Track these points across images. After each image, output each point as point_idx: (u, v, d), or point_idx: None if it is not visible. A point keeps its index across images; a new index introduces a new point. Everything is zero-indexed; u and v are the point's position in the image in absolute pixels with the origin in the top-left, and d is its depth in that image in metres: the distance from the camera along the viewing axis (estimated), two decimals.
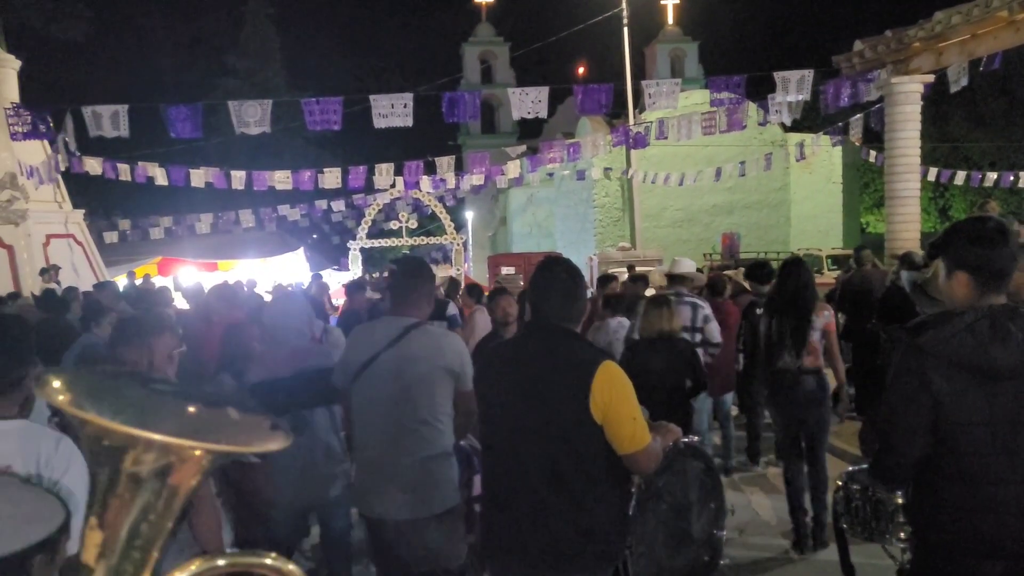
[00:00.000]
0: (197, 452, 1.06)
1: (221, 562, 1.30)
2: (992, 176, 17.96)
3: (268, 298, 9.80)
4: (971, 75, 10.38)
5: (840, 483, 3.40)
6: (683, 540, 4.25)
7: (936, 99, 16.46)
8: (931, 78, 10.17)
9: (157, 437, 1.01)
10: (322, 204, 20.90)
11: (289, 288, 10.39)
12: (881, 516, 3.21)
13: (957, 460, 2.43)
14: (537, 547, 2.68)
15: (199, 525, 2.94)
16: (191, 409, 1.13)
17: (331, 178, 15.69)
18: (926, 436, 2.43)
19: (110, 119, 10.81)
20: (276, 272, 14.63)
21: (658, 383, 5.48)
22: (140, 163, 14.96)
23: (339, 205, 21.16)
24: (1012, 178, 17.34)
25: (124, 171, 14.51)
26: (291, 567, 1.28)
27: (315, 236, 30.79)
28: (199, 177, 15.36)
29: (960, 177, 17.84)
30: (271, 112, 11.07)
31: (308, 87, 32.77)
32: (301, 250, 15.57)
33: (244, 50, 35.64)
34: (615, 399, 2.60)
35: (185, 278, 13.27)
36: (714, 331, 6.70)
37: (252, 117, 11.03)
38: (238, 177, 15.44)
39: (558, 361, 2.69)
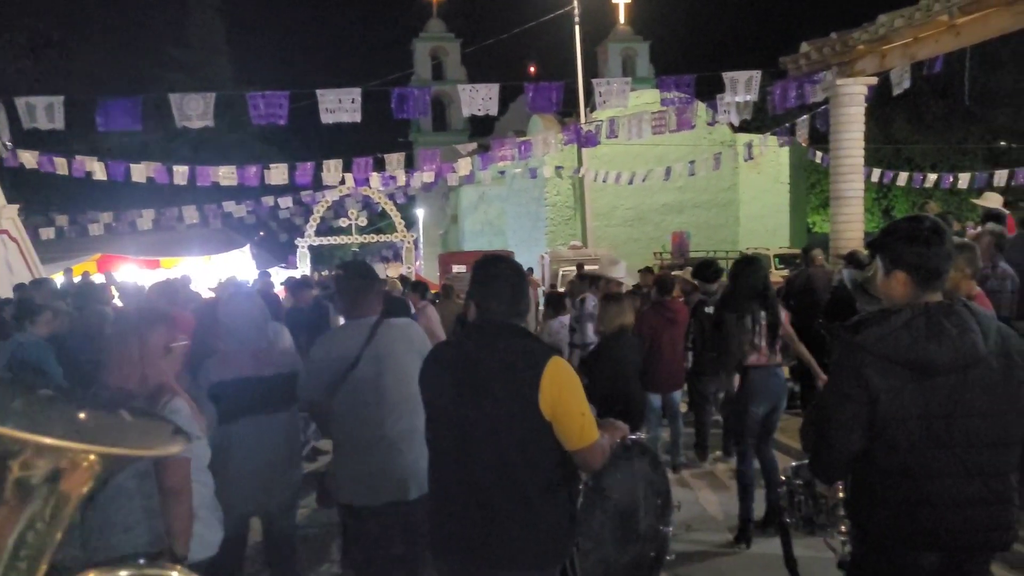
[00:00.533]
0: (91, 456, 1.02)
1: (123, 573, 1.26)
2: (932, 177, 18.41)
3: (209, 295, 9.61)
4: (913, 78, 10.59)
5: (783, 478, 3.41)
6: (630, 536, 4.24)
7: (880, 101, 16.76)
8: (875, 80, 10.34)
9: (47, 441, 0.99)
10: (269, 201, 20.62)
11: (245, 285, 10.15)
12: (822, 510, 3.23)
13: (893, 455, 2.46)
14: (486, 545, 2.64)
15: (174, 517, 2.91)
16: (81, 415, 1.12)
17: (278, 174, 15.44)
18: (862, 432, 2.46)
19: (45, 111, 10.47)
20: (221, 270, 14.32)
21: (629, 374, 5.55)
22: (78, 157, 14.55)
23: (286, 202, 20.87)
24: (952, 179, 17.78)
25: (61, 165, 14.10)
26: None
27: (262, 233, 30.32)
28: (140, 172, 14.99)
29: (902, 178, 18.25)
30: (215, 106, 10.84)
31: (255, 81, 32.24)
32: (247, 247, 15.30)
33: (189, 42, 34.90)
34: (564, 395, 2.58)
35: (125, 275, 12.92)
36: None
37: (195, 110, 10.79)
38: (181, 172, 15.11)
39: (505, 358, 2.65)
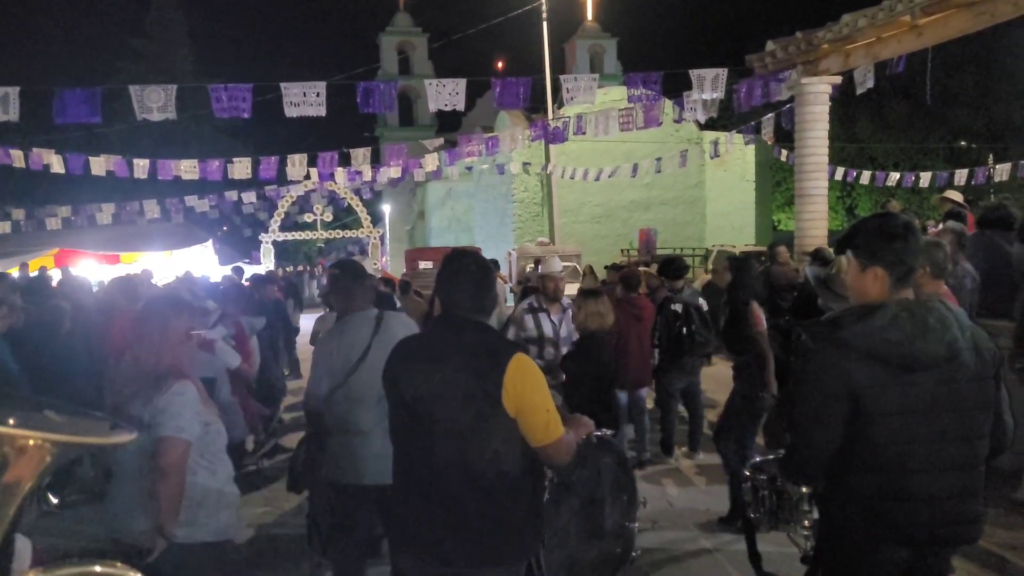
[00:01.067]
0: (32, 443, 1.02)
1: (65, 572, 1.25)
2: (895, 176, 18.67)
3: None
4: (876, 78, 10.71)
5: (747, 473, 3.41)
6: (596, 532, 4.23)
7: (844, 100, 16.98)
8: (839, 79, 10.45)
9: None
10: (232, 195, 20.33)
11: (204, 280, 10.01)
12: (786, 505, 3.24)
13: (872, 450, 2.48)
14: (450, 541, 2.62)
15: (161, 497, 2.92)
16: (25, 405, 1.16)
17: (241, 168, 15.23)
18: (842, 429, 2.48)
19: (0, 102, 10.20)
20: (183, 265, 14.11)
21: (608, 374, 5.51)
22: (35, 150, 14.23)
23: (250, 197, 20.61)
24: (913, 178, 18.05)
25: (17, 158, 13.77)
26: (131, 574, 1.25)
27: (225, 228, 29.96)
28: (99, 165, 14.70)
29: (866, 177, 18.49)
30: (177, 98, 10.65)
31: (218, 73, 31.83)
32: (210, 243, 15.07)
33: (149, 33, 34.31)
34: (528, 391, 2.56)
35: (83, 271, 12.66)
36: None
37: (155, 102, 10.59)
38: (141, 165, 14.83)
39: (470, 354, 2.63)
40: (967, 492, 2.52)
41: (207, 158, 15.86)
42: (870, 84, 10.66)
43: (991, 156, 25.20)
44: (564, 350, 6.18)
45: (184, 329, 3.27)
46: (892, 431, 2.45)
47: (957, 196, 8.81)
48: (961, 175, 16.98)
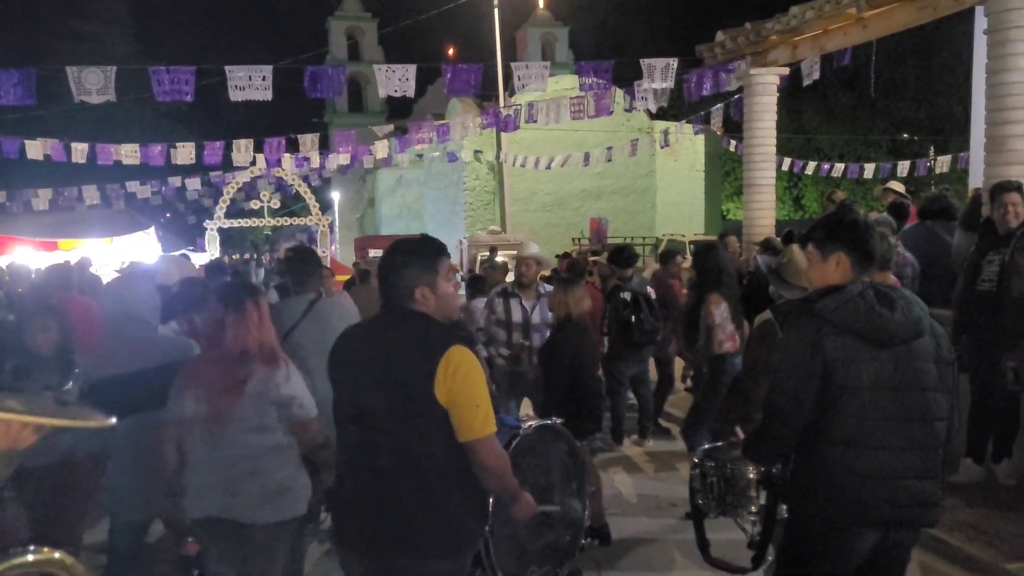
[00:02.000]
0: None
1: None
2: (840, 167, 19.01)
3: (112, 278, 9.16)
4: (823, 70, 10.84)
5: (696, 460, 3.41)
6: (545, 521, 4.21)
7: (791, 92, 17.20)
8: (787, 71, 10.54)
9: None
10: (176, 181, 19.90)
11: (139, 266, 9.72)
12: (734, 491, 3.25)
13: (841, 425, 2.53)
14: (388, 532, 2.58)
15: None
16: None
17: (185, 153, 14.89)
18: (813, 403, 2.53)
19: None
20: (125, 252, 13.73)
21: (586, 365, 5.40)
22: None
23: (194, 183, 20.19)
24: (858, 169, 18.39)
25: None
26: (70, 560, 1.26)
27: (168, 215, 29.27)
28: (36, 149, 14.24)
29: (812, 167, 18.80)
30: (116, 80, 10.33)
31: (160, 55, 30.96)
32: (152, 229, 14.70)
33: (87, 12, 33.25)
34: (459, 383, 2.51)
35: (19, 258, 12.24)
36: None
37: (94, 85, 10.24)
38: (80, 150, 14.41)
39: (407, 343, 2.59)
40: (927, 473, 2.57)
41: (149, 143, 15.49)
42: (816, 76, 10.78)
43: (932, 148, 25.83)
44: (537, 337, 6.05)
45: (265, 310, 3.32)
46: (861, 405, 2.51)
47: (900, 187, 8.98)
48: (904, 166, 17.35)
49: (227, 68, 10.31)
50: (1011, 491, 5.49)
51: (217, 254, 19.94)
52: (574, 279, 5.74)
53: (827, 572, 2.62)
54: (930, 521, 2.64)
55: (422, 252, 2.69)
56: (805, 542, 2.67)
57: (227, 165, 16.83)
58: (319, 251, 20.33)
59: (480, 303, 6.89)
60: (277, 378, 3.17)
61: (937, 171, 17.62)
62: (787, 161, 17.73)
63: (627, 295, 7.32)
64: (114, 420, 1.21)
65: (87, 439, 3.65)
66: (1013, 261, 5.31)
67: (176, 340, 4.18)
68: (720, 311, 5.93)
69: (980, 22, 6.95)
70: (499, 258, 6.77)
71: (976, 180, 7.68)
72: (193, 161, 15.25)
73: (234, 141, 15.13)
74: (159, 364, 3.59)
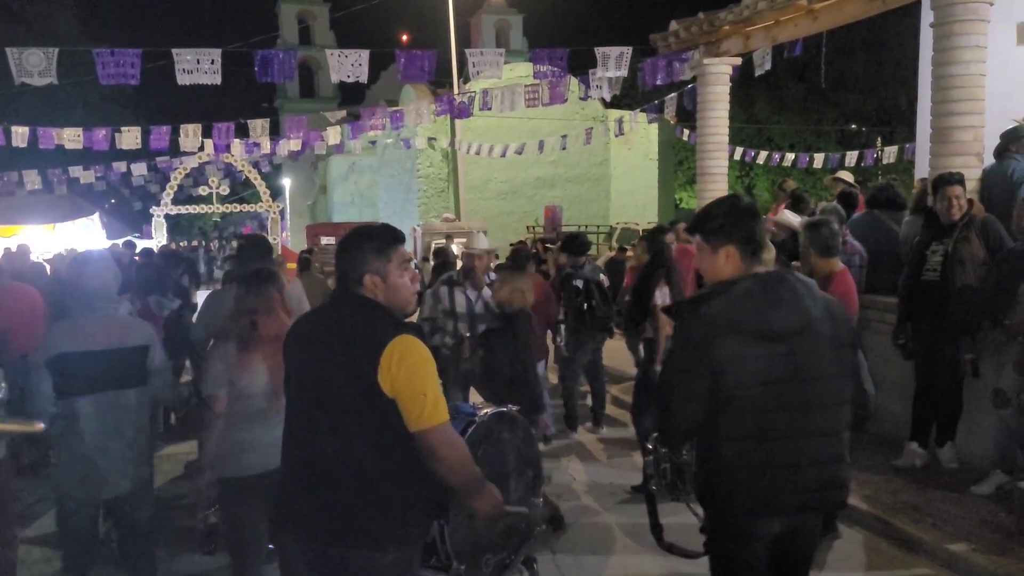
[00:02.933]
0: None
1: None
2: (791, 157, 19.29)
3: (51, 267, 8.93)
4: (774, 60, 10.96)
5: (650, 446, 3.43)
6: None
7: (744, 82, 17.36)
8: (739, 61, 10.63)
9: None
10: (121, 166, 19.37)
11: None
12: (685, 477, 3.28)
13: (737, 421, 2.55)
14: (328, 521, 2.53)
15: None
16: None
17: (130, 138, 14.51)
18: (701, 404, 2.55)
19: None
20: (68, 239, 13.37)
21: (520, 354, 5.39)
22: None
23: (140, 168, 19.69)
24: (808, 159, 18.68)
25: None
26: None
27: (113, 201, 28.57)
28: None
29: (763, 157, 19.04)
30: (59, 62, 10.01)
31: (105, 37, 30.16)
32: (96, 216, 14.32)
33: None
34: (404, 373, 2.45)
35: None
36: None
37: (35, 66, 9.92)
38: (20, 133, 13.98)
39: (353, 331, 2.54)
40: (831, 459, 2.62)
41: (93, 127, 15.06)
42: (768, 67, 10.89)
43: (880, 139, 26.32)
44: (482, 328, 6.04)
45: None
46: (756, 401, 2.52)
47: (848, 177, 9.14)
48: (852, 156, 17.65)
49: (174, 51, 10.07)
50: (953, 474, 5.65)
51: (164, 241, 19.53)
52: (521, 269, 5.75)
53: (738, 555, 2.69)
54: (836, 503, 2.70)
55: (375, 238, 2.64)
56: (717, 530, 2.74)
57: (174, 150, 16.49)
58: (270, 238, 20.06)
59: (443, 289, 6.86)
60: None
61: (884, 161, 17.94)
62: (739, 150, 17.92)
63: (579, 282, 7.34)
64: (41, 426, 1.13)
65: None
66: (956, 252, 5.43)
67: (139, 322, 4.14)
68: (663, 294, 6.02)
69: (926, 15, 7.09)
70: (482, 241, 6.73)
71: (922, 170, 7.84)
72: (139, 146, 14.88)
73: (181, 126, 14.81)
74: (129, 344, 3.67)
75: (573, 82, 13.71)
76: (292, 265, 11.31)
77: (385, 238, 2.65)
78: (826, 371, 2.59)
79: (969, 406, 5.66)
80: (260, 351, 3.52)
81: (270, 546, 3.78)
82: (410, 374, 2.46)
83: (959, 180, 5.58)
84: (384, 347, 2.45)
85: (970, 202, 5.63)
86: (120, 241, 14.29)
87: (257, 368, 3.51)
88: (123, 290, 6.28)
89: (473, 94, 14.92)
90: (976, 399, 5.58)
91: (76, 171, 18.93)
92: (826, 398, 2.59)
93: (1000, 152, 6.32)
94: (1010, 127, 6.43)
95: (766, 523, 2.63)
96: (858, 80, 31.71)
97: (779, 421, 2.54)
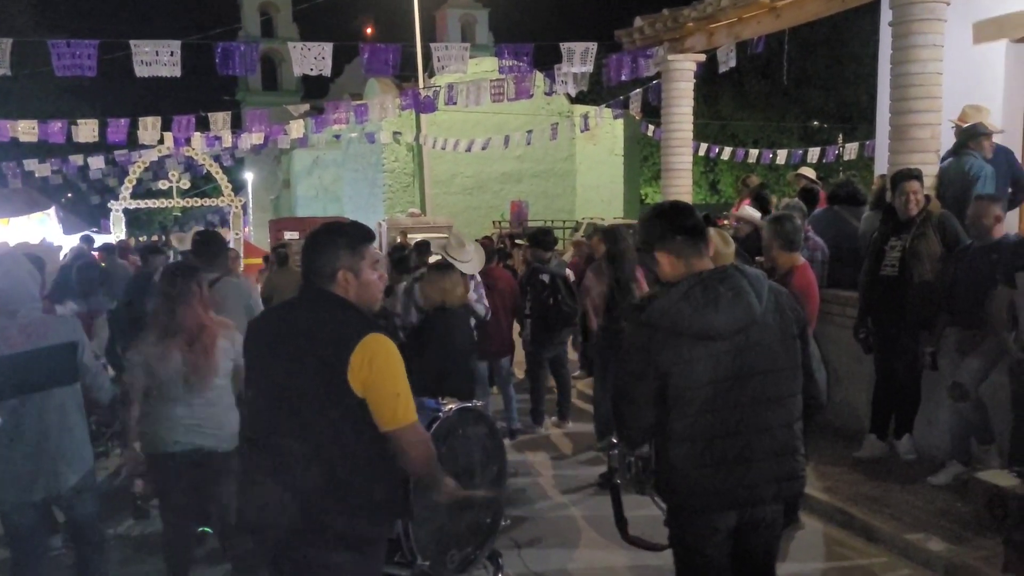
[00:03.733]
0: None
1: None
2: (754, 153, 19.45)
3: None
4: (738, 57, 11.05)
5: (614, 440, 3.44)
6: (465, 503, 4.19)
7: (708, 79, 17.50)
8: (703, 57, 10.70)
9: None
10: (77, 159, 19.00)
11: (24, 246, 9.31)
12: (649, 471, 3.29)
13: (686, 421, 2.58)
14: (294, 520, 2.50)
15: None
16: None
17: (87, 130, 14.18)
18: (652, 405, 2.60)
19: None
20: (22, 233, 13.08)
21: (460, 350, 5.38)
22: None
23: (98, 162, 19.30)
24: (771, 155, 18.86)
25: None
26: None
27: (70, 195, 28.04)
28: None
29: (727, 153, 19.19)
30: (12, 53, 9.78)
31: (61, 27, 29.45)
32: (53, 210, 14.03)
33: None
34: (375, 372, 2.44)
35: None
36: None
37: None
38: None
39: (322, 329, 2.51)
40: (783, 451, 2.65)
41: (48, 119, 14.73)
42: (732, 64, 10.98)
43: (841, 136, 26.70)
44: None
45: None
46: (703, 400, 2.56)
47: (810, 173, 9.25)
48: (814, 153, 17.85)
49: (132, 42, 9.88)
50: (911, 465, 5.75)
51: (123, 236, 19.18)
52: (441, 267, 5.72)
53: (699, 548, 2.73)
54: (791, 493, 2.74)
55: (348, 234, 2.62)
56: (677, 524, 2.79)
57: (133, 143, 16.16)
58: (232, 233, 19.82)
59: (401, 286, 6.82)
60: (231, 334, 4.00)
61: (845, 158, 18.18)
62: (704, 146, 18.05)
63: (546, 277, 7.35)
64: None
65: None
66: (914, 247, 5.52)
67: (62, 319, 4.11)
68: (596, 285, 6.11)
69: (885, 14, 7.17)
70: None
71: (881, 167, 7.95)
72: (96, 139, 14.54)
73: (140, 119, 14.53)
74: (51, 344, 3.63)
75: (538, 77, 13.69)
76: (255, 260, 11.20)
77: (358, 235, 2.64)
78: (774, 364, 2.62)
79: (926, 399, 5.76)
80: (175, 340, 3.84)
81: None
82: (382, 373, 2.45)
83: (917, 176, 5.66)
84: (355, 346, 2.43)
85: (928, 198, 5.72)
86: (76, 236, 14.03)
87: (172, 355, 3.82)
88: (60, 291, 6.16)
89: (438, 88, 14.84)
90: (933, 392, 5.68)
91: (31, 164, 18.54)
92: (776, 391, 2.62)
93: (957, 149, 6.43)
94: (969, 124, 6.55)
95: (724, 517, 2.67)
96: (820, 77, 32.15)
97: (729, 418, 2.58)
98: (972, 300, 5.10)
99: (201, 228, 12.15)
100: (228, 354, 3.95)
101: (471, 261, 6.37)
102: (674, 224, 2.70)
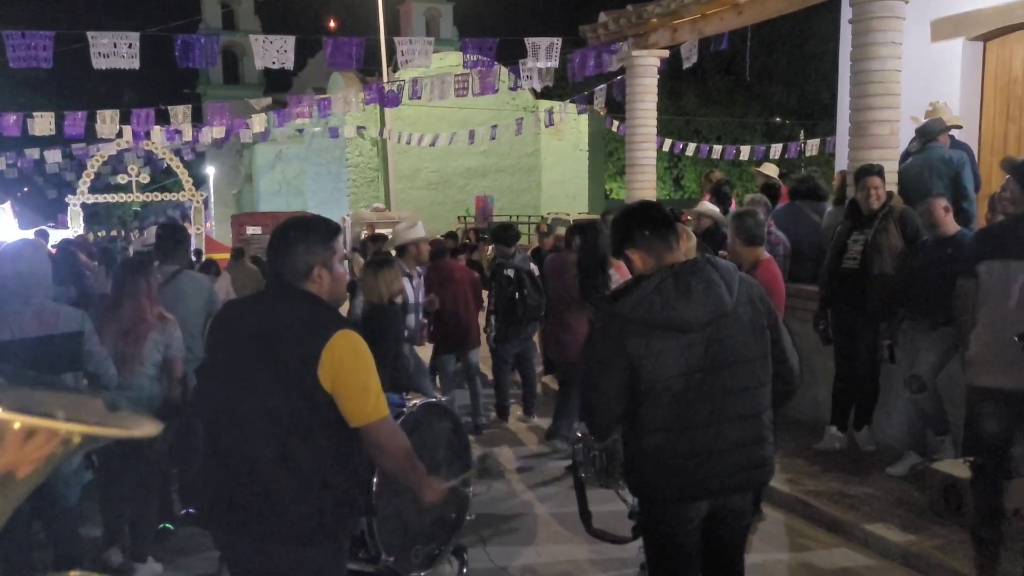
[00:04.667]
0: (17, 425, 0.91)
1: None
2: (718, 149, 19.61)
3: None
4: (702, 53, 11.12)
5: (580, 434, 3.45)
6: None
7: (672, 74, 17.58)
8: (667, 53, 10.76)
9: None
10: (33, 153, 18.61)
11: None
12: (615, 464, 3.31)
13: (657, 412, 2.61)
14: (257, 517, 2.48)
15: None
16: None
17: (43, 124, 13.92)
18: (621, 396, 2.62)
19: None
20: None
21: (390, 344, 5.37)
22: None
23: (55, 155, 18.92)
24: (735, 151, 19.04)
25: None
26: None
27: (26, 189, 27.44)
28: None
29: (691, 149, 19.33)
30: None
31: (15, 18, 28.84)
32: (8, 205, 13.74)
33: None
34: (345, 369, 2.42)
35: None
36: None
37: None
38: None
39: (291, 324, 2.49)
40: (752, 440, 2.69)
41: (3, 111, 14.39)
42: (695, 60, 11.06)
43: (803, 132, 27.01)
44: (411, 318, 6.22)
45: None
46: (675, 392, 2.59)
47: (772, 170, 9.35)
48: (777, 149, 18.03)
49: (89, 34, 9.69)
50: (870, 457, 5.84)
51: (81, 231, 18.83)
52: (382, 263, 5.71)
53: (670, 538, 2.76)
54: (760, 481, 2.80)
55: (320, 229, 2.60)
56: (648, 514, 2.83)
57: (91, 137, 15.87)
58: (193, 228, 19.56)
59: None
60: (167, 329, 4.38)
61: (807, 154, 18.40)
62: (668, 142, 18.16)
63: (510, 272, 7.35)
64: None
65: None
66: (875, 241, 5.60)
67: (71, 310, 4.22)
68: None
69: (845, 12, 7.26)
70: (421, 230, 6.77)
71: (842, 163, 8.07)
72: (53, 132, 14.28)
73: (98, 112, 14.26)
74: (62, 332, 3.83)
75: (503, 72, 13.69)
76: (222, 256, 11.05)
77: (329, 229, 2.63)
78: (744, 355, 2.65)
79: (885, 391, 5.86)
80: (111, 329, 4.21)
81: None
82: (352, 370, 2.44)
83: (879, 172, 5.75)
84: (325, 342, 2.41)
85: (890, 194, 5.81)
86: (31, 232, 13.75)
87: (104, 343, 4.10)
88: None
89: (402, 83, 14.76)
90: (892, 384, 5.78)
91: None
92: (746, 382, 2.65)
93: (928, 142, 6.52)
94: (932, 119, 6.67)
95: (694, 506, 2.70)
96: (782, 74, 32.51)
97: (699, 410, 2.61)
98: (927, 294, 5.19)
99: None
100: (158, 347, 4.32)
101: (416, 227, 6.62)
102: (641, 220, 2.73)
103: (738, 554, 2.90)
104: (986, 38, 8.28)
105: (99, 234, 20.26)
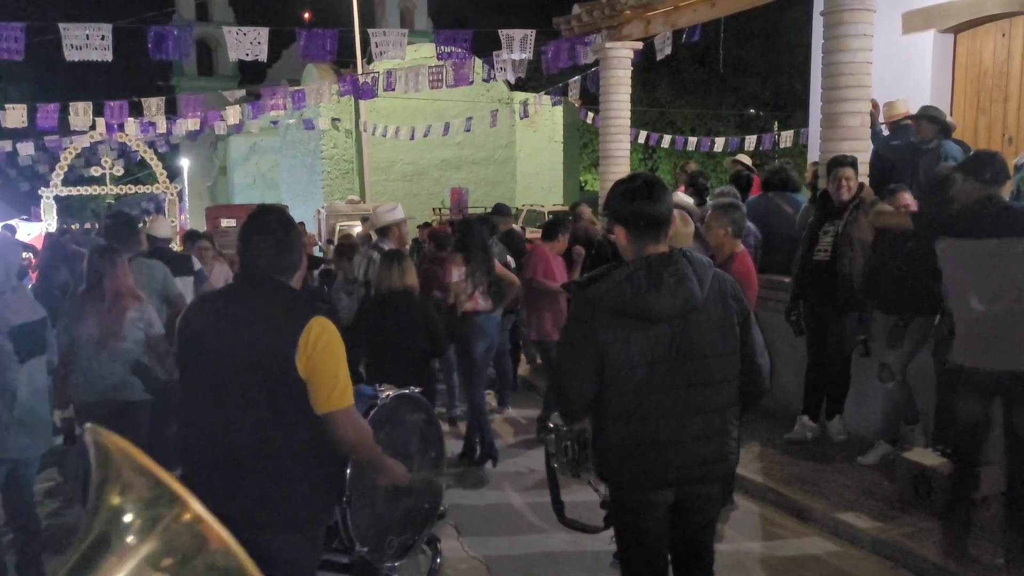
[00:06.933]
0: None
1: None
2: (692, 140, 19.67)
3: None
4: (675, 45, 11.16)
5: (552, 425, 3.47)
6: (403, 490, 4.18)
7: (645, 66, 17.61)
8: (640, 45, 10.79)
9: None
10: (5, 145, 18.40)
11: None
12: (585, 454, 3.34)
13: (621, 400, 2.64)
14: (236, 506, 2.48)
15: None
16: None
17: (15, 116, 13.73)
18: (592, 380, 2.65)
19: None
20: None
21: (392, 342, 5.34)
22: None
23: (27, 148, 18.70)
24: (709, 143, 19.11)
25: None
26: None
27: None
28: None
29: (666, 140, 19.37)
30: None
31: None
32: None
33: None
34: (319, 354, 2.48)
35: None
36: None
37: None
38: None
39: (267, 313, 2.53)
40: (714, 433, 2.72)
41: None
42: (668, 51, 11.10)
43: (776, 124, 27.15)
44: None
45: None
46: (639, 380, 2.62)
47: (746, 160, 9.41)
48: (751, 141, 18.11)
49: (62, 26, 9.58)
50: (841, 446, 5.91)
51: (54, 224, 18.60)
52: (396, 255, 5.67)
53: (638, 525, 2.80)
54: (719, 475, 2.81)
55: (294, 224, 2.71)
56: (616, 502, 2.87)
57: (64, 129, 15.67)
58: (168, 221, 19.35)
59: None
60: (143, 307, 4.58)
61: (782, 145, 18.51)
62: (642, 134, 18.19)
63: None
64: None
65: None
66: (846, 233, 5.65)
67: (28, 300, 4.43)
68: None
69: (817, 4, 7.33)
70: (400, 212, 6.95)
71: (814, 154, 8.14)
72: (25, 124, 14.10)
73: (71, 104, 14.09)
74: (26, 319, 4.01)
75: (478, 64, 13.66)
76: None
77: (293, 222, 2.73)
78: (711, 350, 2.67)
79: (856, 380, 5.93)
80: (93, 304, 4.45)
81: None
82: (325, 356, 2.49)
83: (851, 163, 5.79)
84: (302, 328, 2.47)
85: (861, 185, 5.86)
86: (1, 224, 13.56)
87: (88, 318, 4.43)
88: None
89: (377, 74, 14.69)
90: (863, 374, 5.85)
91: None
92: (710, 376, 2.67)
93: (896, 129, 6.60)
94: (935, 111, 6.75)
95: (659, 494, 2.74)
96: (756, 66, 32.61)
97: (662, 400, 2.64)
98: (892, 286, 5.25)
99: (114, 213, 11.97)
100: (137, 324, 4.53)
101: (396, 208, 6.96)
102: (630, 204, 2.67)
103: (707, 542, 2.93)
104: (956, 30, 8.38)
105: (72, 227, 20.03)
